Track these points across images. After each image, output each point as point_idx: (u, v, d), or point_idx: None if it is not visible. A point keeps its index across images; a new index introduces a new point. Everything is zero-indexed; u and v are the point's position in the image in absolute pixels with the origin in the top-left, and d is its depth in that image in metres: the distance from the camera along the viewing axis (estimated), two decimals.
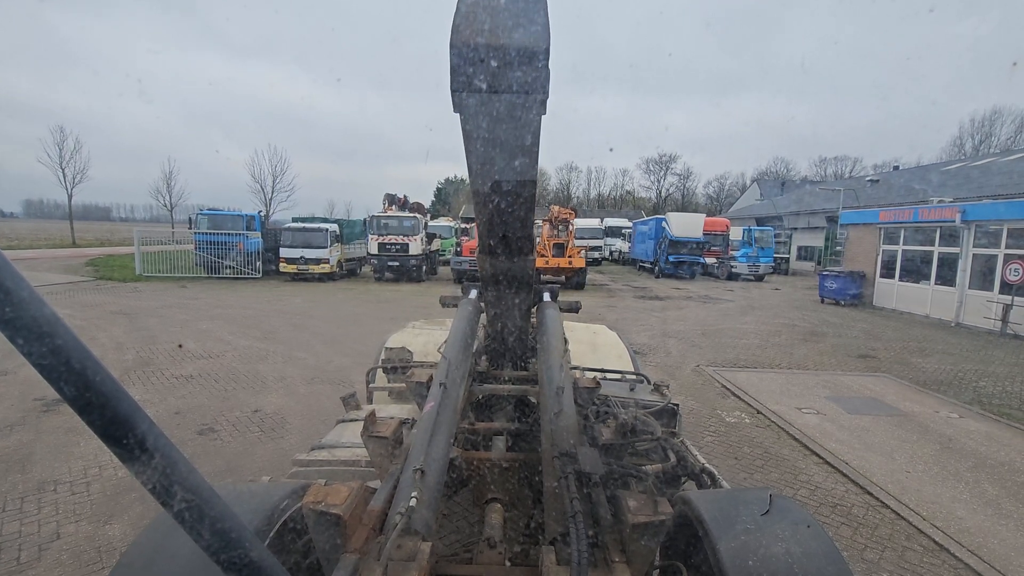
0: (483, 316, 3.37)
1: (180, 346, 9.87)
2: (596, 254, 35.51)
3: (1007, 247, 14.46)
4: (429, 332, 4.97)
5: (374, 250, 22.95)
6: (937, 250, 16.71)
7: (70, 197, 41.74)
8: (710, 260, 30.04)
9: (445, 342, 2.84)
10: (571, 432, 2.12)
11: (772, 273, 31.95)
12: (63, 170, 39.85)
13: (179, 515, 0.80)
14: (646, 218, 37.34)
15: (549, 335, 2.97)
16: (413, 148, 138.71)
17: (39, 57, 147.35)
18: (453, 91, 1.40)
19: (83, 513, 4.22)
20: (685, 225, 28.02)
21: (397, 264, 22.88)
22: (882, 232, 19.11)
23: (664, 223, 28.74)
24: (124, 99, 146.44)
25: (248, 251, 22.64)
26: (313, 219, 26.18)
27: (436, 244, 28.29)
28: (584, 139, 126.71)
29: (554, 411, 2.16)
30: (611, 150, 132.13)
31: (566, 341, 3.70)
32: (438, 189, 78.23)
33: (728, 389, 8.30)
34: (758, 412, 7.27)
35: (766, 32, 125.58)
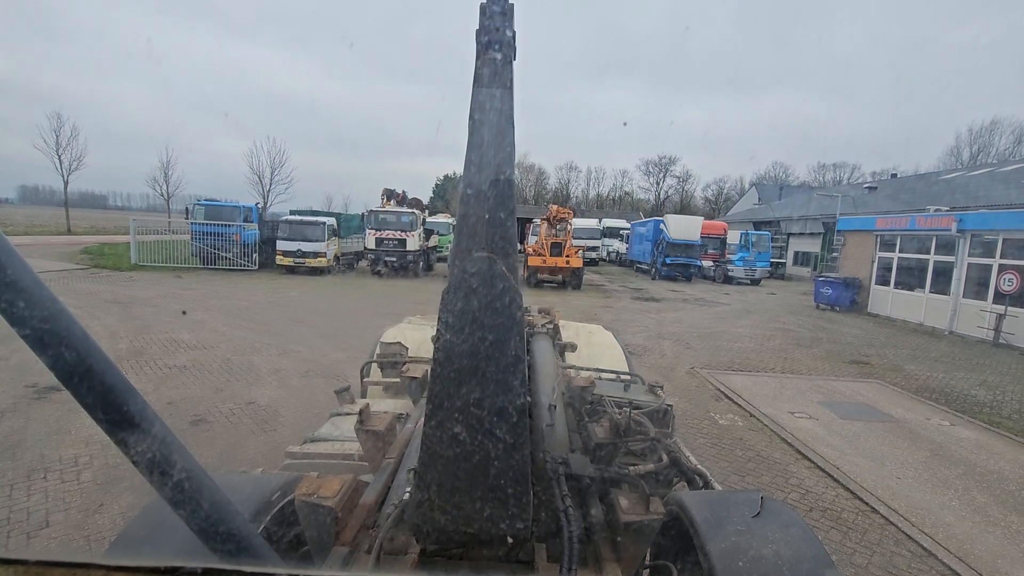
0: None
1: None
2: (593, 254, 35.53)
3: (1002, 257, 14.56)
4: (424, 328, 4.96)
5: (371, 245, 22.90)
6: (933, 258, 16.80)
7: (66, 184, 41.48)
8: (707, 263, 30.12)
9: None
10: (563, 444, 2.14)
11: (768, 277, 32.07)
12: (59, 156, 39.64)
13: (168, 493, 0.80)
14: (644, 219, 37.37)
15: (539, 364, 2.98)
16: (414, 143, 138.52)
17: (33, 36, 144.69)
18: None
19: (73, 501, 4.20)
20: (683, 228, 28.06)
21: (394, 259, 22.85)
22: (878, 239, 19.19)
23: (662, 225, 28.78)
24: (119, 83, 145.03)
25: (245, 243, 22.56)
26: (311, 212, 26.13)
27: (433, 240, 28.28)
28: (587, 133, 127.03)
29: (546, 423, 2.18)
30: (624, 124, 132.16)
31: (564, 354, 3.70)
32: (437, 185, 78.12)
33: (722, 392, 8.33)
34: (751, 415, 7.30)
35: (768, 32, 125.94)
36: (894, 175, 46.46)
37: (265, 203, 49.09)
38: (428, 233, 26.45)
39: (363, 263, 26.13)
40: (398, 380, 3.57)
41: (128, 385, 0.75)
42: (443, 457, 1.27)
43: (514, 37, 1.35)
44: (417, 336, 4.65)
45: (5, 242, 0.65)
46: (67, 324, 0.68)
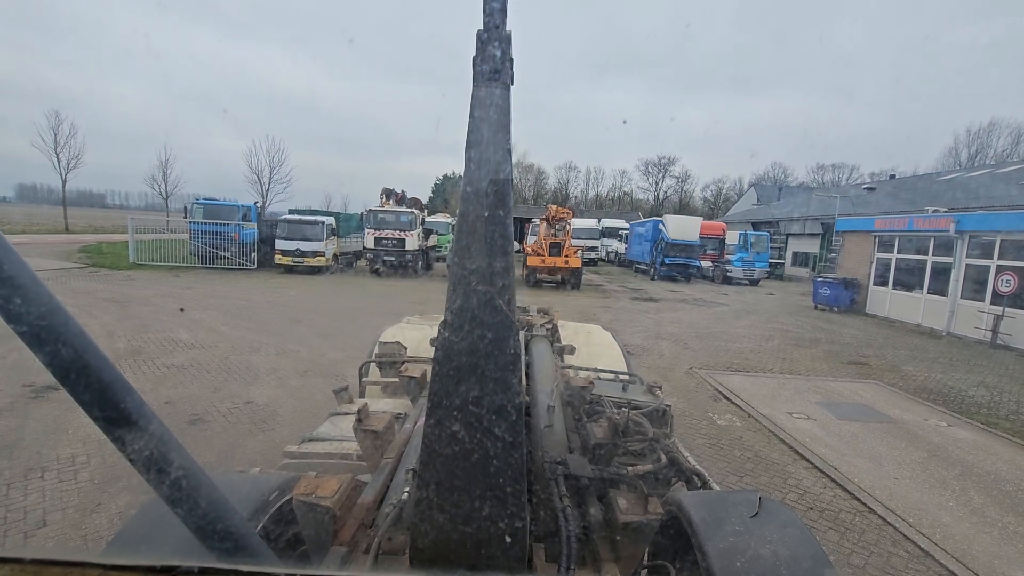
0: None
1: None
2: (592, 254, 35.55)
3: (1000, 258, 14.59)
4: (423, 327, 4.96)
5: (370, 244, 22.89)
6: (931, 259, 16.83)
7: (64, 182, 41.32)
8: (706, 263, 30.14)
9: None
10: (561, 445, 2.14)
11: (767, 278, 32.11)
12: (57, 155, 39.53)
13: (166, 491, 0.80)
14: (643, 220, 37.38)
15: (537, 367, 2.98)
16: (414, 142, 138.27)
17: (31, 33, 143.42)
18: None
19: (70, 500, 4.19)
20: (682, 228, 28.09)
21: (393, 259, 22.84)
22: (877, 240, 19.23)
23: (661, 225, 28.80)
24: (118, 80, 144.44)
25: (243, 242, 22.54)
26: (310, 211, 26.11)
27: (432, 240, 28.27)
28: (587, 133, 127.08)
29: (545, 425, 2.18)
30: (624, 122, 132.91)
31: (562, 358, 3.69)
32: (436, 185, 78.07)
33: (720, 392, 8.34)
34: (749, 416, 7.31)
35: (768, 32, 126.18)
36: (892, 176, 46.52)
37: (264, 202, 49.01)
38: (427, 233, 26.43)
39: (362, 262, 26.12)
40: (396, 380, 3.57)
41: (125, 383, 0.75)
42: (443, 455, 1.27)
43: (512, 63, 1.34)
44: (415, 336, 4.64)
45: (2, 240, 0.65)
46: (64, 321, 0.68)
